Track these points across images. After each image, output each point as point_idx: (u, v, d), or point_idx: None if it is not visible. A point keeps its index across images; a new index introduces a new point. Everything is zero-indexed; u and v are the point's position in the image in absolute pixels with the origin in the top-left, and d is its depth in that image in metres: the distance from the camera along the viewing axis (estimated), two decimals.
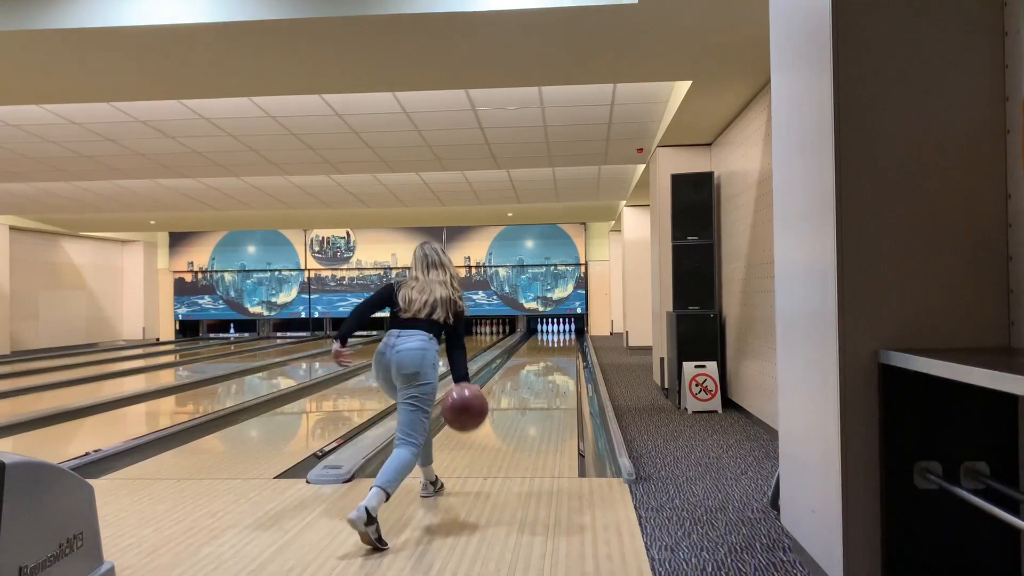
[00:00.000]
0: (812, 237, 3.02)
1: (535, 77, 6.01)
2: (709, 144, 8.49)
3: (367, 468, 5.26)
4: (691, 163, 8.46)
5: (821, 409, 2.91)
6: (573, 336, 20.51)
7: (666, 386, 8.45)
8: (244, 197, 13.10)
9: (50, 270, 18.59)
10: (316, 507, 4.34)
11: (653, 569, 3.29)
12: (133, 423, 8.25)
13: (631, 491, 4.59)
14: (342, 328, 4.37)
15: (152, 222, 17.10)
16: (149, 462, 5.69)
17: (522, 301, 21.14)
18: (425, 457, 4.54)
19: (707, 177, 8.01)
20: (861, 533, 2.70)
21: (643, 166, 10.35)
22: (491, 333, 21.81)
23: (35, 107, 7.32)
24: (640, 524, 3.94)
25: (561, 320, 21.55)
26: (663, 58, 5.48)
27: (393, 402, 4.57)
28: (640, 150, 9.23)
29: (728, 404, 7.65)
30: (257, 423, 7.73)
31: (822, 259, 2.87)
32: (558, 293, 21.09)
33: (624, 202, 14.57)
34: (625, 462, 5.10)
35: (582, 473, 5.14)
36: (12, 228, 16.90)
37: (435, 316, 4.33)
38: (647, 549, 3.55)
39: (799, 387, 3.22)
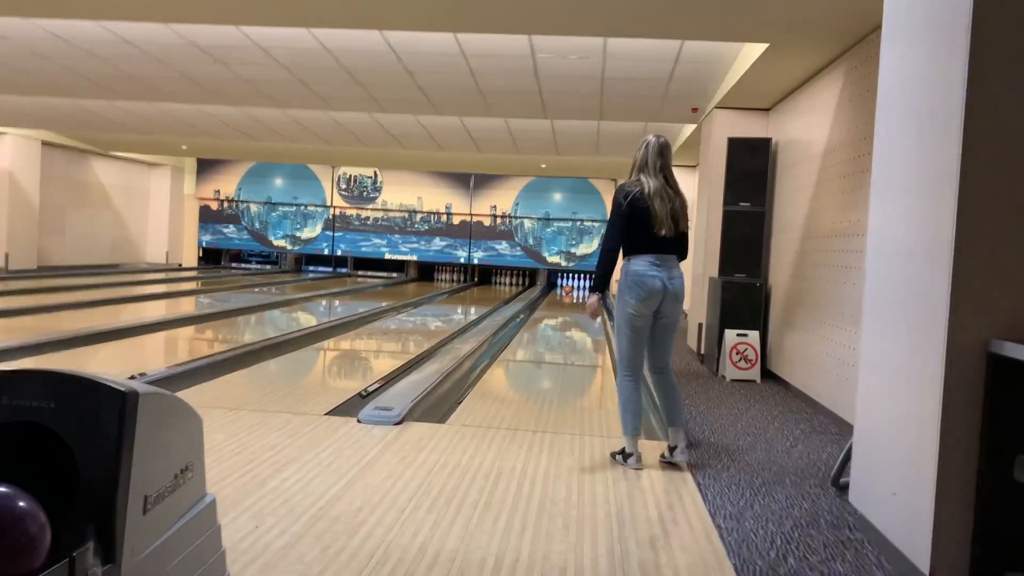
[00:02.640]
0: (922, 217, 2.93)
1: (610, 25, 5.84)
2: (767, 110, 8.32)
3: (415, 412, 5.26)
4: (747, 127, 8.30)
5: (917, 394, 2.86)
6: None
7: (703, 352, 8.41)
8: (282, 129, 12.99)
9: (78, 187, 18.58)
10: (371, 447, 4.34)
11: (721, 538, 3.28)
12: (168, 349, 8.31)
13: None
14: (601, 277, 4.25)
15: (184, 147, 17.01)
16: (195, 390, 5.71)
17: (545, 254, 21.02)
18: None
19: (765, 143, 7.86)
20: (952, 521, 2.67)
21: (693, 126, 10.18)
22: (511, 284, 21.76)
23: (89, 23, 7.21)
24: (700, 490, 3.93)
25: (583, 276, 21.45)
26: (746, 17, 5.31)
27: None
28: (695, 110, 9.05)
29: (767, 374, 7.61)
30: (295, 358, 7.75)
31: (934, 241, 2.79)
32: (582, 249, 20.95)
33: None
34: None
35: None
36: (44, 143, 16.84)
37: (681, 228, 4.20)
38: (711, 516, 3.54)
39: (889, 369, 3.17)
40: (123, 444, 1.80)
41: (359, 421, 4.91)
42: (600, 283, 4.29)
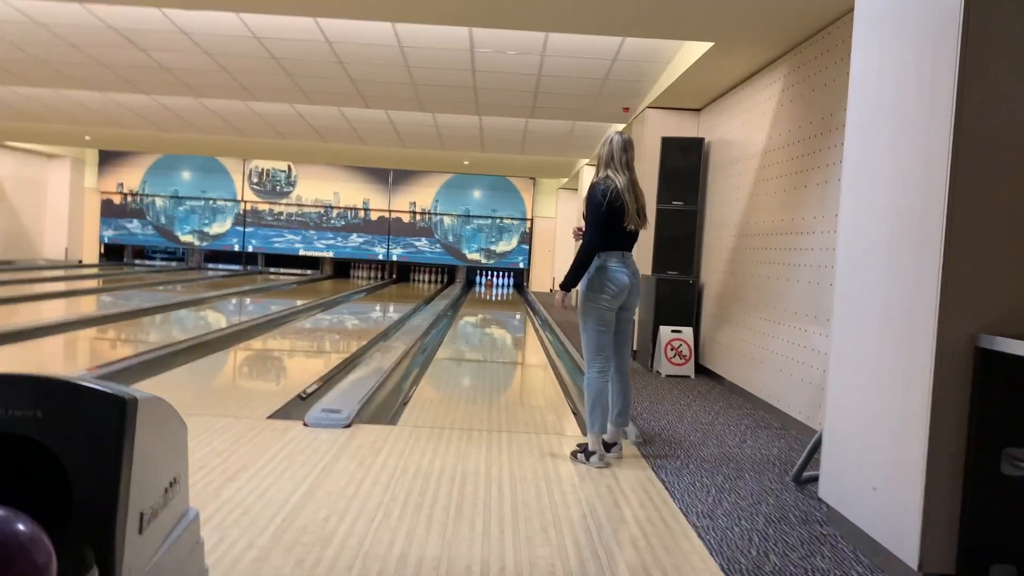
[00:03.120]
0: (905, 213, 2.96)
1: (558, 20, 5.78)
2: (698, 110, 8.43)
3: (363, 414, 5.08)
4: (679, 127, 8.39)
5: (901, 389, 2.89)
6: (511, 291, 20.46)
7: (635, 348, 8.46)
8: (196, 119, 12.45)
9: None
10: (324, 452, 4.16)
11: (700, 536, 3.26)
12: (88, 349, 7.82)
13: (641, 453, 4.56)
14: (575, 277, 4.19)
15: (87, 137, 16.13)
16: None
17: (465, 252, 20.90)
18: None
19: (698, 143, 7.96)
20: (940, 515, 2.71)
21: (622, 125, 10.24)
22: (430, 282, 21.55)
23: None
24: (666, 488, 3.91)
25: (502, 273, 21.44)
26: (695, 14, 5.33)
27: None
28: (626, 109, 9.10)
29: (700, 370, 7.71)
30: (221, 359, 7.42)
31: (921, 237, 2.82)
32: (502, 246, 20.93)
33: (586, 161, 14.47)
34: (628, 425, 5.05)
35: (584, 431, 5.08)
36: None
37: (641, 227, 4.27)
38: (684, 515, 3.52)
39: (866, 365, 3.20)
40: (122, 457, 1.62)
41: (306, 424, 4.70)
42: (573, 282, 4.22)
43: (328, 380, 6.36)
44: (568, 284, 4.24)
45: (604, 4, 5.28)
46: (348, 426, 4.71)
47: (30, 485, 1.60)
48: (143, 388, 5.48)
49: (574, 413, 5.63)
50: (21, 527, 1.31)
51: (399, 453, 4.23)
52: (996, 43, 2.66)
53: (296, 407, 5.33)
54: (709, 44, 6.02)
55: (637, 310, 4.45)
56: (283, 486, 3.58)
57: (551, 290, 20.57)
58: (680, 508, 3.61)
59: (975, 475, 2.67)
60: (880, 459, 3.03)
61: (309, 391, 5.83)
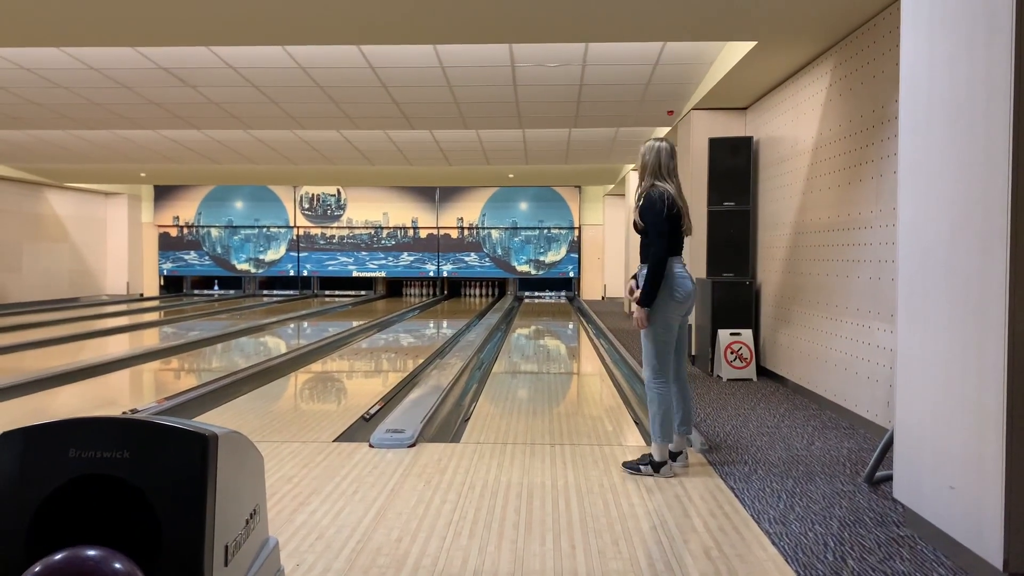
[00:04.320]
0: (967, 207, 2.90)
1: (595, 31, 5.79)
2: (744, 108, 8.35)
3: (426, 432, 5.12)
4: (726, 127, 8.32)
5: (974, 385, 2.82)
6: (564, 299, 20.44)
7: (694, 352, 8.39)
8: (245, 150, 12.73)
9: (33, 221, 18.04)
10: (391, 473, 4.20)
11: (773, 543, 3.21)
12: (146, 383, 8.03)
13: (708, 461, 4.51)
14: (654, 286, 4.04)
15: (143, 174, 16.62)
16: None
17: (514, 264, 20.97)
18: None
19: (746, 142, 7.88)
20: (1022, 512, 2.63)
21: (666, 129, 10.19)
22: (482, 295, 21.67)
23: (52, 49, 6.96)
24: (735, 495, 3.87)
25: (553, 283, 21.46)
26: (737, 16, 5.30)
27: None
28: (671, 112, 9.05)
29: (762, 372, 7.61)
30: (284, 385, 7.55)
31: (986, 231, 2.75)
32: (551, 256, 20.94)
33: (632, 166, 14.41)
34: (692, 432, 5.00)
35: (647, 441, 5.04)
36: None
37: (688, 233, 4.27)
38: (756, 522, 3.47)
39: (936, 362, 3.12)
40: (206, 494, 1.66)
41: (371, 446, 4.77)
42: (653, 296, 4.07)
43: (389, 400, 6.43)
44: (648, 299, 4.07)
45: (641, 12, 5.27)
46: (413, 445, 4.76)
47: (122, 523, 1.65)
48: (210, 418, 5.61)
49: (636, 423, 5.60)
50: (118, 566, 1.36)
51: (464, 470, 4.26)
52: None
53: (360, 428, 5.41)
54: (752, 43, 5.96)
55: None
56: (354, 508, 3.63)
57: (603, 298, 20.50)
58: (751, 515, 3.56)
59: None
60: (956, 457, 2.96)
61: (372, 412, 5.90)
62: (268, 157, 13.39)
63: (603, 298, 20.55)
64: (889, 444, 3.76)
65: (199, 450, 1.67)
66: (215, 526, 1.68)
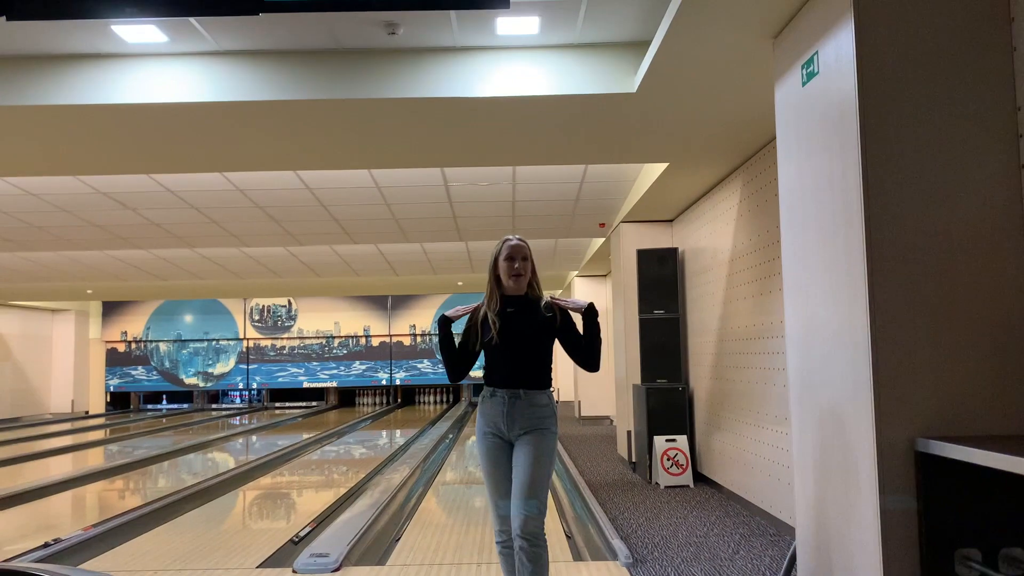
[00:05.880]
0: (837, 320, 3.10)
1: (524, 157, 6.10)
2: (670, 220, 8.70)
3: (353, 555, 5.08)
4: (653, 238, 8.64)
5: (854, 496, 2.95)
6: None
7: (634, 459, 8.45)
8: (192, 267, 12.82)
9: None
10: None
11: None
12: (79, 507, 7.84)
13: (631, 575, 4.54)
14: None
15: (89, 291, 16.54)
16: (115, 552, 5.39)
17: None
18: None
19: (672, 252, 8.19)
20: None
21: (601, 240, 10.53)
22: (436, 402, 21.58)
23: None
24: None
25: None
26: (650, 142, 5.64)
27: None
28: (602, 225, 9.40)
29: (699, 478, 7.68)
30: (219, 505, 7.42)
31: (851, 343, 2.95)
32: None
33: (576, 272, 14.76)
34: (619, 544, 5.04)
35: (575, 555, 5.06)
36: None
37: None
38: None
39: (822, 471, 3.26)
40: None
41: (294, 572, 4.71)
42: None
43: (324, 519, 6.36)
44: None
45: (553, 142, 5.59)
46: (337, 570, 4.72)
47: None
48: (137, 544, 5.49)
49: (567, 536, 5.61)
50: None
51: None
52: (894, 156, 2.86)
53: (289, 552, 5.33)
54: (665, 164, 6.31)
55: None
56: None
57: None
58: None
59: None
60: (846, 566, 3.06)
61: (302, 534, 5.82)
62: (215, 273, 13.48)
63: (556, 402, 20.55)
64: (794, 558, 3.85)
65: None
66: None
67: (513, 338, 3.37)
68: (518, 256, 3.42)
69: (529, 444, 3.31)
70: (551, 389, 3.48)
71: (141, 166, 6.20)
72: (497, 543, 3.37)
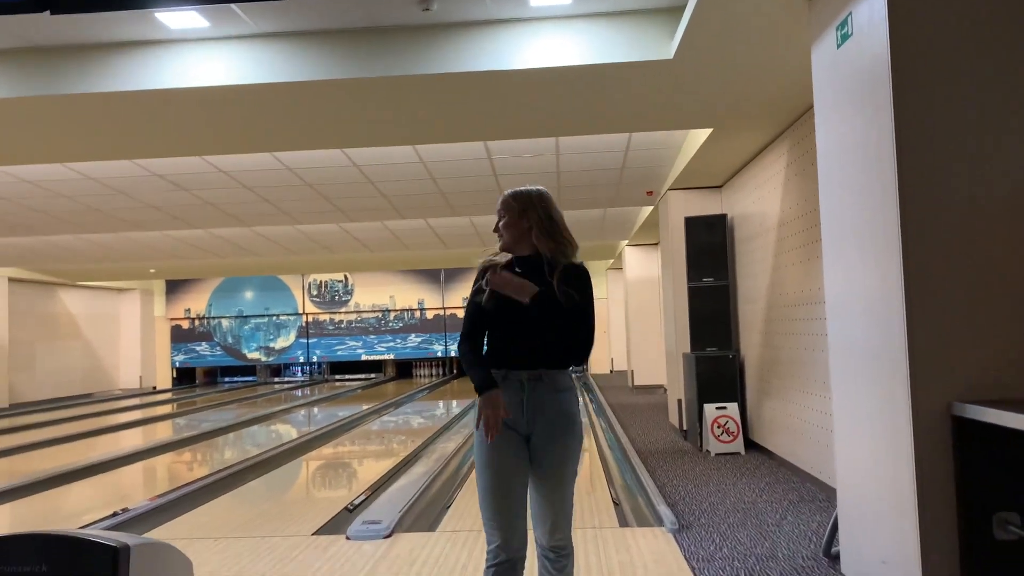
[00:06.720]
0: (873, 286, 3.07)
1: (563, 128, 6.10)
2: (719, 187, 8.61)
3: (404, 522, 5.22)
4: (702, 205, 8.56)
5: (892, 461, 2.94)
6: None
7: (685, 428, 8.45)
8: (249, 245, 13.13)
9: (47, 320, 18.47)
10: (362, 566, 4.30)
11: None
12: (148, 479, 8.18)
13: (676, 541, 4.58)
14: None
15: (152, 271, 17.07)
16: (180, 520, 5.64)
17: None
18: None
19: (720, 219, 8.11)
20: None
21: (650, 208, 10.46)
22: None
23: (53, 164, 7.35)
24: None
25: None
26: (690, 109, 5.59)
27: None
28: (650, 193, 9.34)
29: (750, 445, 7.66)
30: (280, 475, 7.67)
31: (888, 308, 2.92)
32: None
33: (626, 242, 14.68)
34: (665, 511, 5.08)
35: (621, 522, 5.12)
36: (11, 279, 16.82)
37: None
38: None
39: (862, 436, 3.25)
40: None
41: (348, 538, 4.87)
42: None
43: (379, 488, 6.53)
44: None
45: (591, 111, 5.57)
46: (389, 536, 4.86)
47: None
48: (200, 513, 5.72)
49: (615, 503, 5.67)
50: None
51: (434, 561, 4.35)
52: (924, 120, 2.80)
53: (345, 520, 5.50)
54: (709, 130, 6.24)
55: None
56: None
57: (611, 371, 20.54)
58: None
59: (970, 542, 2.68)
60: (884, 531, 3.06)
61: (356, 502, 6.00)
62: (271, 250, 13.78)
63: (611, 371, 20.59)
64: (836, 524, 3.84)
65: (110, 562, 1.83)
66: None
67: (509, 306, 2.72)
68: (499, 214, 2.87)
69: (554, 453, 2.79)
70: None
71: (189, 148, 6.37)
72: (489, 567, 2.71)
